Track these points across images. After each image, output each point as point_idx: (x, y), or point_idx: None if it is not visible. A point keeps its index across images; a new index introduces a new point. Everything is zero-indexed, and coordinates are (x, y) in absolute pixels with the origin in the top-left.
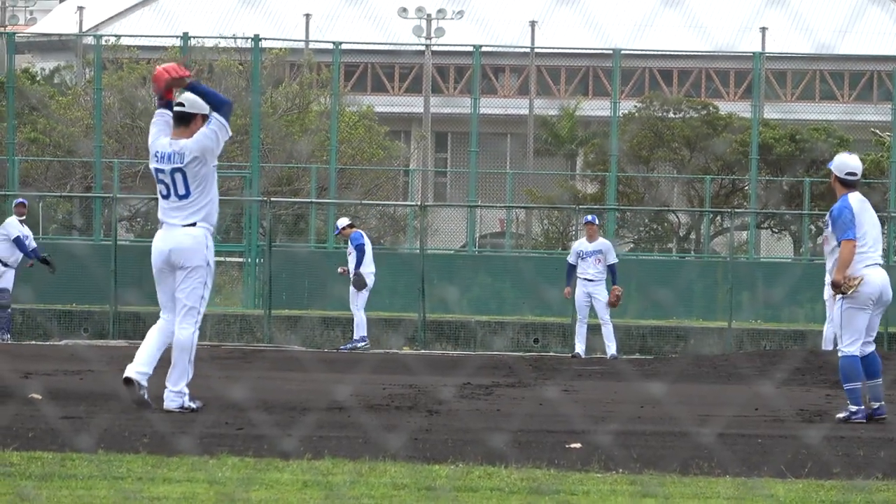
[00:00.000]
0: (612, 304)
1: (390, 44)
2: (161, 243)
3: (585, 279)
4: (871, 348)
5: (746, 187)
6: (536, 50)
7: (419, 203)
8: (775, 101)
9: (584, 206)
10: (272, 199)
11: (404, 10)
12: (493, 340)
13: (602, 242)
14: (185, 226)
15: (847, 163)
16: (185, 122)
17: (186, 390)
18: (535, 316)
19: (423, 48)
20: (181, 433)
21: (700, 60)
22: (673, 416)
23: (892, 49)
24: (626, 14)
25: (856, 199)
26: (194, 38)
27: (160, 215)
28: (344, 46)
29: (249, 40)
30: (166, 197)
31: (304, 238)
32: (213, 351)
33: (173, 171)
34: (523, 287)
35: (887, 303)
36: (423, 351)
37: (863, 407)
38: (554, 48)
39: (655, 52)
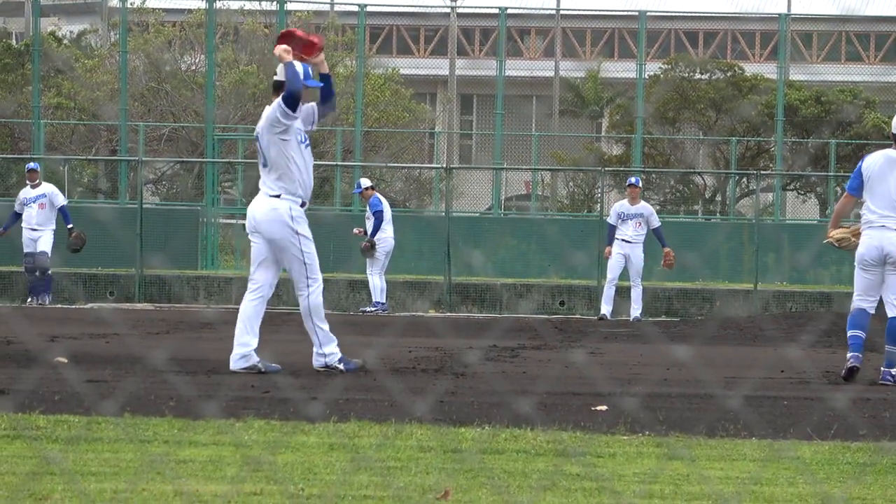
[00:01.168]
0: (668, 267)
1: (416, 6)
2: (249, 207)
3: (623, 240)
4: (894, 312)
5: (772, 149)
6: (562, 12)
7: (445, 166)
8: (801, 62)
9: (610, 168)
10: None
11: None
12: (519, 303)
13: (644, 206)
14: (270, 196)
15: None
16: (276, 91)
17: (334, 351)
18: (561, 278)
19: (448, 10)
20: (207, 397)
21: (726, 22)
22: (699, 379)
23: None
24: None
25: (877, 155)
26: (219, 0)
27: None
28: (369, 9)
29: (275, 3)
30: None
31: (329, 201)
32: None
33: (257, 136)
34: (549, 249)
35: (894, 263)
36: (448, 314)
37: (857, 353)
38: (580, 10)
39: (681, 14)
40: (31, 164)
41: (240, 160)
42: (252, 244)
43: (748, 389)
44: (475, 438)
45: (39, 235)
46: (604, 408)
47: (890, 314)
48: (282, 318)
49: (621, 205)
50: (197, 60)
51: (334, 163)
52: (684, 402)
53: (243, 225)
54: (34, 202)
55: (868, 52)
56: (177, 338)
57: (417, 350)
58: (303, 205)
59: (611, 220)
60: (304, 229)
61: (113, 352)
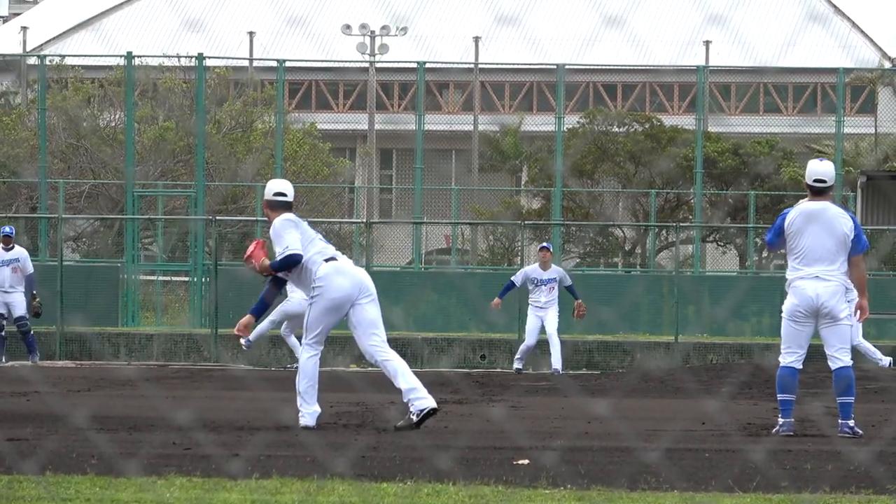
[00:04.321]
0: (580, 317)
1: (334, 61)
2: None
3: (538, 306)
4: (838, 364)
5: (691, 201)
6: (480, 66)
7: (365, 220)
8: (719, 114)
9: (530, 222)
10: (217, 217)
11: (348, 26)
12: (440, 357)
13: (556, 270)
14: None
15: (814, 169)
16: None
17: (301, 409)
18: (482, 332)
19: (367, 65)
20: (129, 454)
21: (644, 75)
22: (620, 432)
23: (825, 62)
24: (568, 33)
25: (803, 207)
26: (138, 57)
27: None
28: (288, 64)
29: (193, 59)
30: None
31: None
32: (160, 371)
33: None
34: (469, 303)
35: (830, 315)
36: (369, 369)
37: (790, 420)
38: (497, 64)
39: (599, 67)
40: (7, 229)
41: (160, 216)
42: None
43: (669, 442)
44: (397, 494)
45: (11, 299)
46: (525, 462)
47: (834, 366)
48: (203, 375)
49: (533, 269)
50: (116, 117)
51: (254, 218)
52: (605, 455)
53: (164, 281)
54: (7, 265)
55: (786, 103)
56: (98, 395)
57: (339, 405)
58: (330, 259)
59: (516, 279)
60: (316, 295)
61: (34, 410)
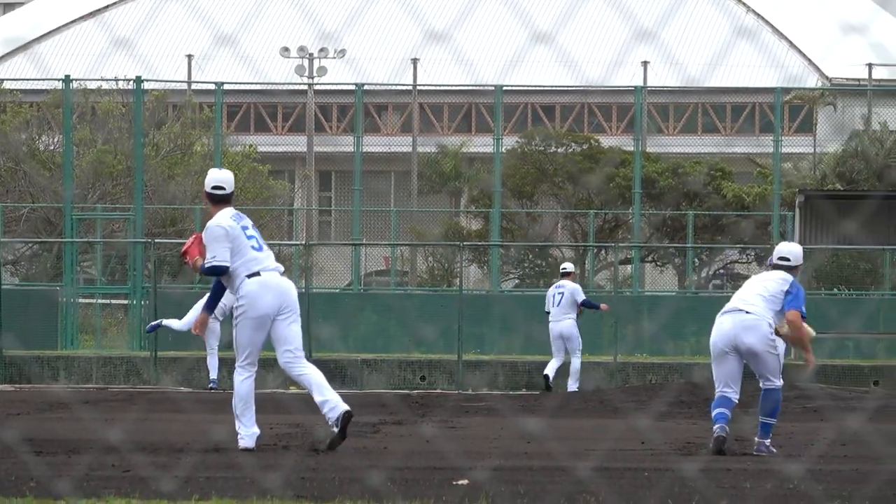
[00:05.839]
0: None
1: (272, 83)
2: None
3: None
4: (769, 385)
5: (630, 221)
6: (419, 87)
7: (304, 242)
8: (658, 134)
9: (469, 244)
10: (156, 240)
11: (286, 49)
12: (380, 378)
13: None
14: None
15: (781, 249)
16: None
17: (240, 431)
18: (422, 353)
19: (305, 87)
20: (68, 477)
21: (582, 95)
22: (558, 451)
23: (763, 82)
24: (498, 51)
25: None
26: (76, 80)
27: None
28: (226, 87)
29: (132, 82)
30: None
31: (188, 278)
32: (100, 394)
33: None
34: (409, 324)
35: (750, 350)
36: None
37: (724, 425)
38: (436, 85)
39: (537, 88)
40: None
41: (98, 239)
42: None
43: (608, 461)
44: None
45: None
46: (465, 482)
47: (764, 387)
48: (142, 397)
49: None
50: (55, 140)
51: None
52: (545, 474)
53: (103, 304)
54: None
55: (724, 122)
56: (37, 418)
57: (278, 427)
58: (253, 275)
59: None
60: (240, 314)
61: None
